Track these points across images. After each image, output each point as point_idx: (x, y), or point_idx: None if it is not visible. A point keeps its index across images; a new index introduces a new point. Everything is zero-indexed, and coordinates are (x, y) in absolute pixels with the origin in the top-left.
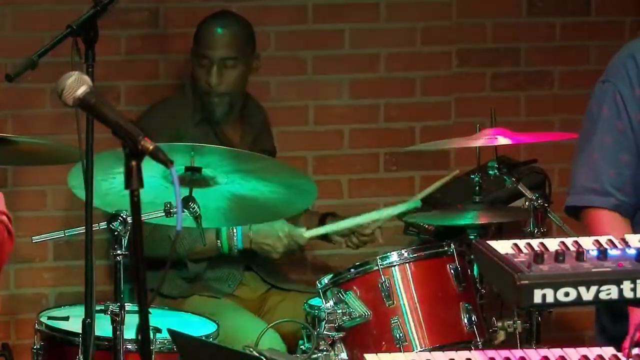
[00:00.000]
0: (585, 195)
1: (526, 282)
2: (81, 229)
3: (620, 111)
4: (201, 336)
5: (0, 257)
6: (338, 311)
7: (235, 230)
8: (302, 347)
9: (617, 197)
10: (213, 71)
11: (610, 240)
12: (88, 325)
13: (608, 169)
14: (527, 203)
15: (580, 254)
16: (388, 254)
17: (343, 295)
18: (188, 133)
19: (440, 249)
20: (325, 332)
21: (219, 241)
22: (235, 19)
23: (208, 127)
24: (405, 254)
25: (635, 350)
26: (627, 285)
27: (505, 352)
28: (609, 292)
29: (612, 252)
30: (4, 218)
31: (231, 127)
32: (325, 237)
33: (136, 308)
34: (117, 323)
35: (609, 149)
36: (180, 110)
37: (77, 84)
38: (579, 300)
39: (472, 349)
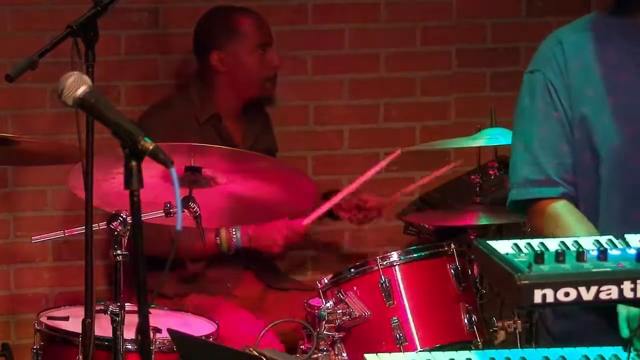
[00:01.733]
0: (532, 187)
1: (526, 282)
2: (81, 229)
3: (554, 100)
4: (201, 336)
5: None
6: (338, 311)
7: (234, 228)
8: (302, 347)
9: (564, 185)
10: (274, 53)
11: (611, 240)
12: (88, 325)
13: (550, 159)
14: None
15: (580, 254)
16: (388, 254)
17: (343, 295)
18: (191, 132)
19: (440, 249)
20: (325, 332)
21: (218, 239)
22: (246, 8)
23: (211, 127)
24: (406, 254)
25: None
26: (627, 286)
27: (505, 352)
28: (609, 292)
29: (612, 252)
30: None
31: (234, 126)
32: (331, 215)
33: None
34: (117, 323)
35: (548, 139)
36: (183, 110)
37: (77, 84)
38: (579, 301)
39: (472, 349)
